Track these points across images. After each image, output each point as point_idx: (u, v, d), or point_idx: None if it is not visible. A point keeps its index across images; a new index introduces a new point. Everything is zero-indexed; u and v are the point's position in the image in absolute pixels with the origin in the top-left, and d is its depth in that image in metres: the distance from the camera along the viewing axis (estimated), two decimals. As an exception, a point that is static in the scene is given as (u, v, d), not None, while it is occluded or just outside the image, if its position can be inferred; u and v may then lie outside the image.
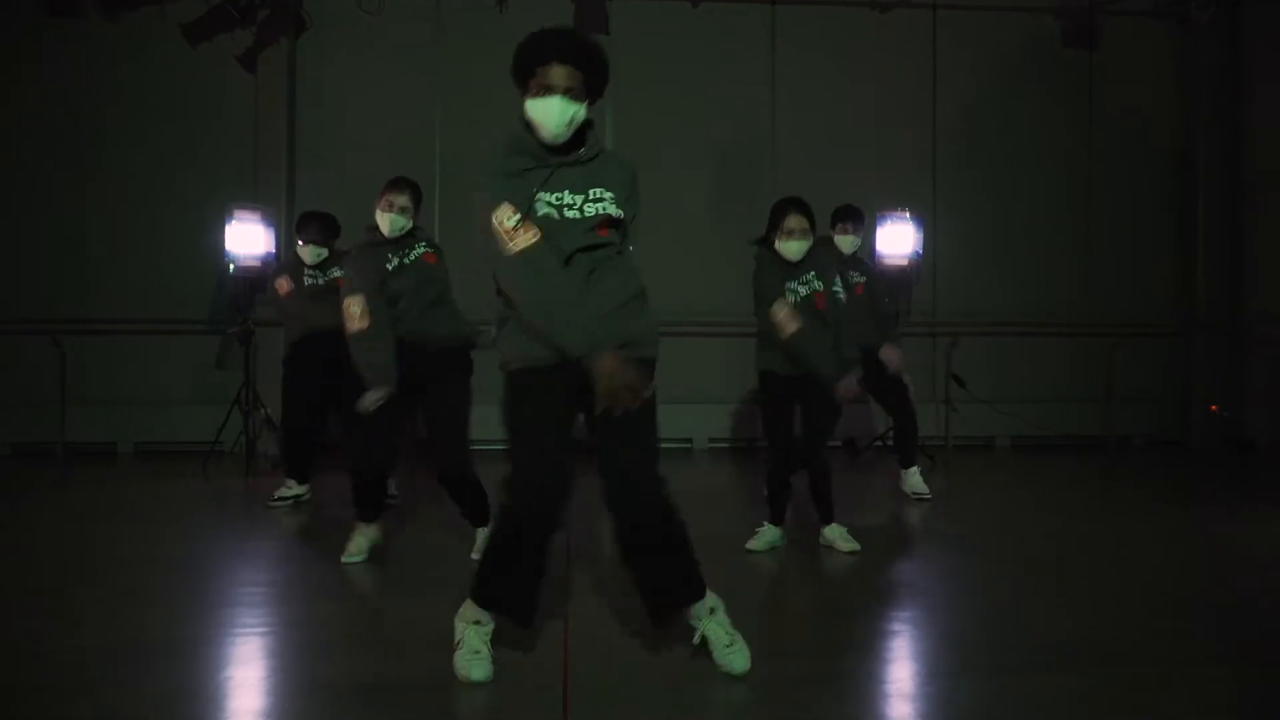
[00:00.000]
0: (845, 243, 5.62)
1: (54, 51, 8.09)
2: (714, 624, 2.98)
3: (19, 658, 3.09)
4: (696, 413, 8.50)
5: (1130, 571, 4.31)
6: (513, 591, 2.89)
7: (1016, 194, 8.91)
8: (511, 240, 2.73)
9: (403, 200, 4.26)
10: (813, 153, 8.49)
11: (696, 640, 3.00)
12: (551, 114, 2.78)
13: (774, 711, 2.73)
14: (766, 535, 4.63)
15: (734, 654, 2.95)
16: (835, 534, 4.64)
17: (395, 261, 4.22)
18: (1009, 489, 6.74)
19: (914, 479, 6.01)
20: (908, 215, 7.47)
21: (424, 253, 4.28)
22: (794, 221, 4.39)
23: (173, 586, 3.96)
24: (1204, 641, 3.31)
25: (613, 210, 2.91)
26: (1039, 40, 8.93)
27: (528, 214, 2.76)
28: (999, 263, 8.87)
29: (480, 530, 4.34)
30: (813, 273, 4.44)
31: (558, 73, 2.78)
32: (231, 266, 6.95)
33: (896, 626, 3.54)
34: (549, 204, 2.82)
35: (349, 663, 3.09)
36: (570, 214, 2.83)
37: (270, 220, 7.21)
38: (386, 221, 4.24)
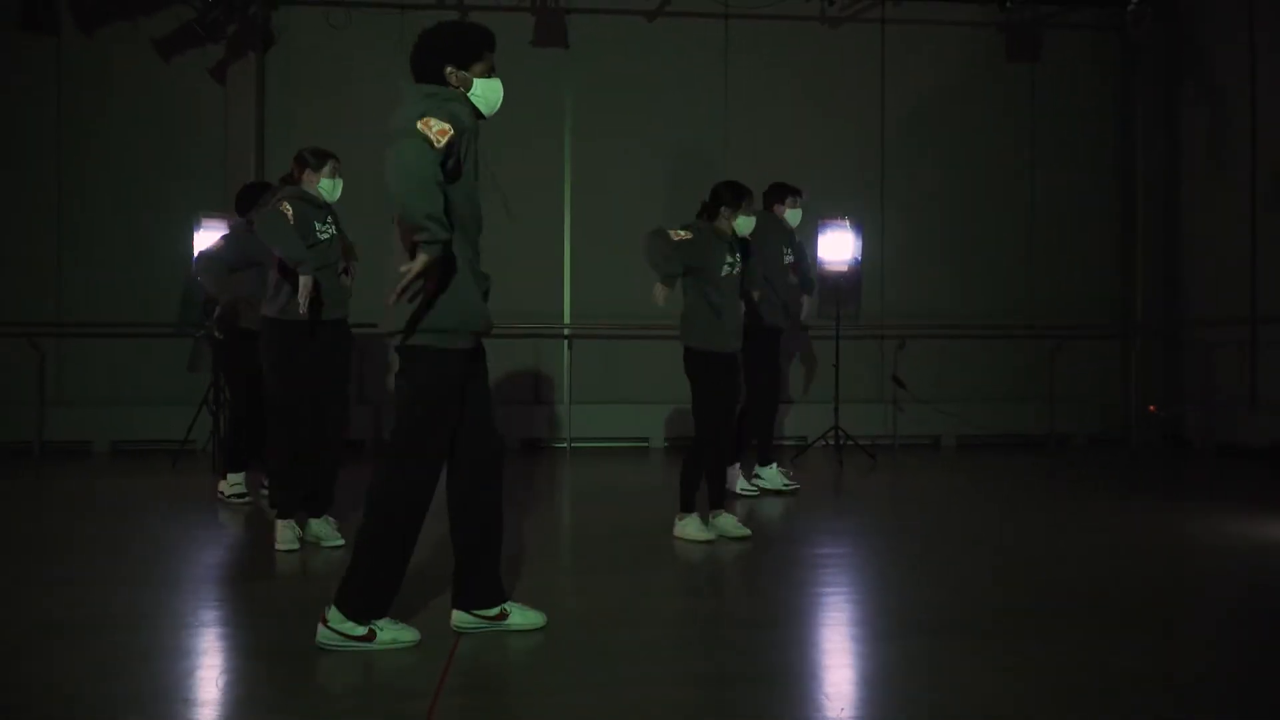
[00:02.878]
0: (793, 216, 6.36)
1: (32, 65, 8.39)
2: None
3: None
4: (652, 412, 8.82)
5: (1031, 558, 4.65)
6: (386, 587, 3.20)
7: (961, 201, 9.26)
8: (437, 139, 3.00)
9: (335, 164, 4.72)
10: (763, 161, 8.77)
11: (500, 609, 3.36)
12: (500, 93, 3.24)
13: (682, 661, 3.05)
14: (693, 524, 4.90)
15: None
16: (729, 522, 4.98)
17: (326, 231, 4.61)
18: (950, 486, 7.08)
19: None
20: (847, 223, 7.81)
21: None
22: (748, 203, 5.05)
23: (137, 567, 4.28)
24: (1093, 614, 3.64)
25: None
26: (983, 54, 9.28)
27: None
28: (944, 268, 9.21)
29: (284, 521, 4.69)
30: (738, 254, 5.03)
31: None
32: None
33: (824, 598, 3.88)
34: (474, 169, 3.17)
35: (286, 632, 3.41)
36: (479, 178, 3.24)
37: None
38: (334, 186, 4.67)
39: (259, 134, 8.50)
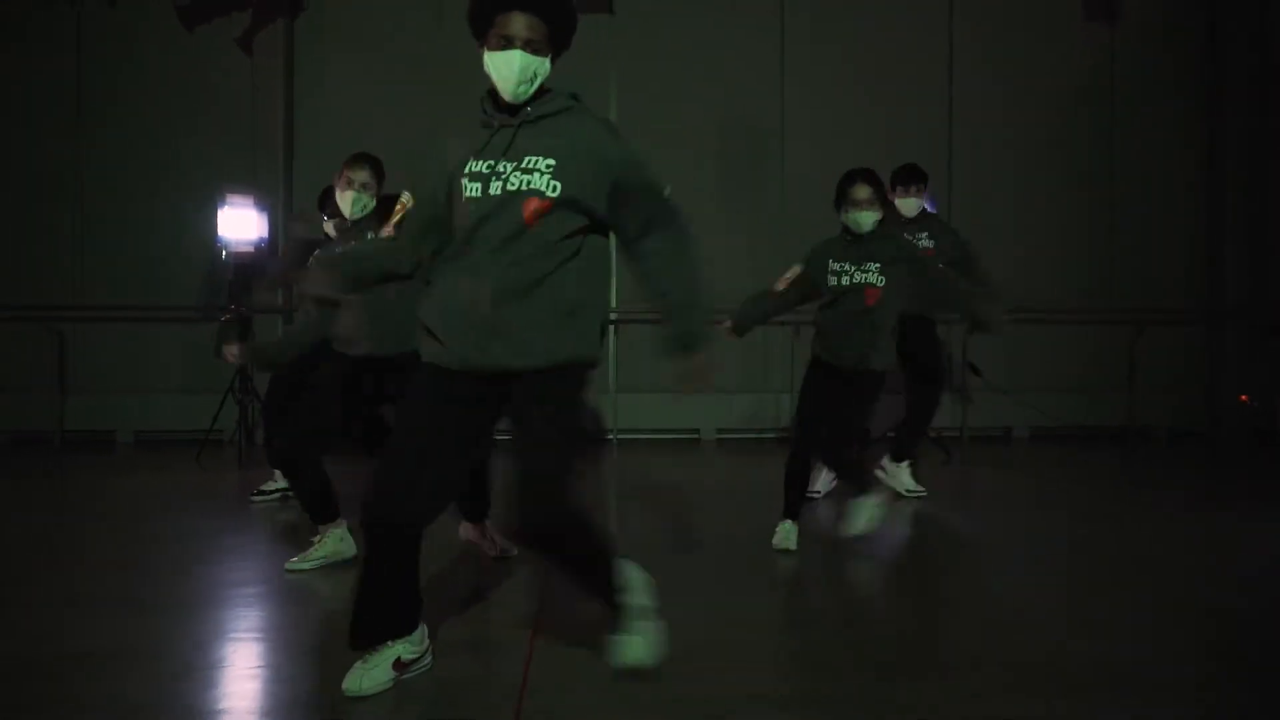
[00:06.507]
0: (908, 205, 5.57)
1: (51, 35, 7.98)
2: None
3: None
4: (703, 404, 8.28)
5: (1151, 581, 4.06)
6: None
7: (1035, 176, 8.61)
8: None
9: (363, 176, 3.94)
10: (822, 134, 8.24)
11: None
12: (512, 68, 2.50)
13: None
14: (788, 532, 4.31)
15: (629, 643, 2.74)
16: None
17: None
18: (1027, 486, 6.47)
19: (904, 475, 5.63)
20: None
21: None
22: (861, 191, 4.15)
23: (161, 589, 3.79)
24: (1226, 660, 3.08)
25: (542, 186, 2.50)
26: (1058, 14, 8.61)
27: (451, 191, 2.59)
28: (1016, 247, 8.56)
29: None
30: (877, 265, 4.15)
31: (519, 22, 2.50)
32: (223, 252, 6.80)
33: (892, 639, 3.33)
34: (479, 172, 2.53)
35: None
36: (494, 189, 2.51)
37: (265, 204, 7.04)
38: (348, 201, 3.93)
39: (288, 106, 8.03)
